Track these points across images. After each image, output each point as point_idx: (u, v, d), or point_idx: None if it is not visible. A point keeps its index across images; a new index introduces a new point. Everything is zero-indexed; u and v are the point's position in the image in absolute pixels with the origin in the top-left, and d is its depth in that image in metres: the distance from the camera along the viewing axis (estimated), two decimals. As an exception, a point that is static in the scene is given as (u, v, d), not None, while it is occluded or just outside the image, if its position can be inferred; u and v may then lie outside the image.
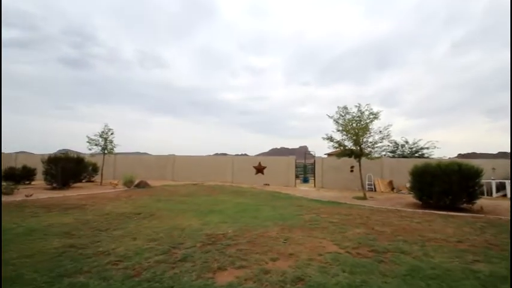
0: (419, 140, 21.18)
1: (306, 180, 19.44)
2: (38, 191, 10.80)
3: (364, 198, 11.26)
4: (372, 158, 11.68)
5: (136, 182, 12.99)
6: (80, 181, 15.52)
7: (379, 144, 11.29)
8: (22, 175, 13.25)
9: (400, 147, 21.68)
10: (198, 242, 4.35)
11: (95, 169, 15.57)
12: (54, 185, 11.68)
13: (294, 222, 6.06)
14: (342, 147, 11.74)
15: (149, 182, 15.44)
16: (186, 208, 7.62)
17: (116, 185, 13.60)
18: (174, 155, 18.89)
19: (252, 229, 5.29)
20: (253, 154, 19.69)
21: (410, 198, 11.69)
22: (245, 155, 22.36)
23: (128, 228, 5.26)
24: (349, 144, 11.60)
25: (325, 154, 28.79)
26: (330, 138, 11.74)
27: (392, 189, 14.40)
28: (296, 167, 17.03)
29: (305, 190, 14.39)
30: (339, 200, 10.64)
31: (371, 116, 11.11)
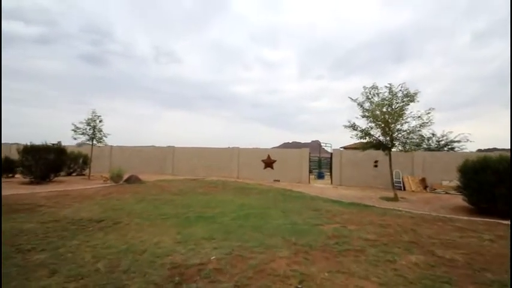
0: (449, 132, 18.70)
1: (320, 176, 17.39)
2: (10, 186, 9.32)
3: (395, 199, 9.20)
4: (407, 151, 9.52)
5: (127, 176, 11.37)
6: (69, 174, 14.15)
7: (416, 134, 9.09)
8: (4, 167, 11.88)
9: (426, 140, 19.30)
10: (150, 285, 2.52)
11: (85, 161, 14.09)
12: (32, 178, 10.19)
13: (312, 240, 4.15)
14: (367, 137, 9.64)
15: (146, 176, 13.85)
16: (169, 212, 5.82)
17: (107, 179, 12.03)
18: (173, 146, 17.22)
19: (250, 254, 3.42)
20: (265, 148, 17.73)
21: (453, 199, 9.54)
22: (252, 148, 20.47)
23: (65, 247, 3.50)
24: (376, 133, 9.49)
25: (341, 147, 26.56)
26: (353, 126, 9.66)
27: (425, 187, 12.20)
28: (310, 161, 15.01)
29: (321, 188, 12.40)
30: (364, 202, 8.62)
31: (405, 99, 8.94)
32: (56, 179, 11.42)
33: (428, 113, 8.66)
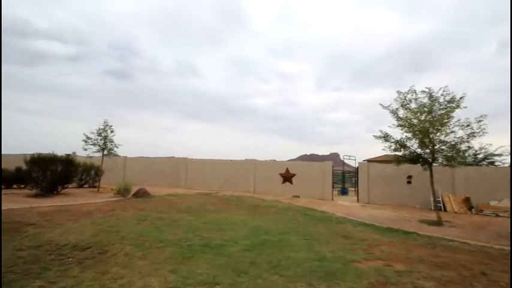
0: (488, 144, 16.68)
1: (344, 192, 15.95)
2: (13, 198, 8.85)
3: (439, 223, 7.76)
4: (454, 166, 8.11)
5: (136, 189, 10.68)
6: (81, 186, 13.75)
7: (465, 146, 7.72)
8: (14, 178, 11.61)
9: (462, 153, 17.36)
10: None
11: (97, 172, 13.64)
12: (37, 191, 9.72)
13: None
14: (402, 149, 8.36)
15: (158, 189, 13.18)
16: (169, 238, 4.89)
17: (117, 192, 11.41)
18: (186, 158, 16.54)
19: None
20: (283, 160, 16.68)
21: (507, 223, 7.94)
22: (269, 161, 19.44)
23: (21, 292, 2.63)
24: (413, 144, 8.21)
25: (365, 160, 24.88)
26: (386, 137, 8.44)
27: (470, 208, 10.53)
28: (333, 175, 13.71)
29: (347, 206, 11.07)
30: (403, 226, 7.29)
31: (448, 105, 7.66)
32: (64, 191, 10.94)
33: (480, 120, 7.31)
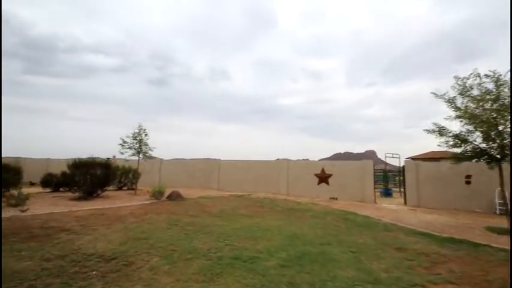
0: None
1: (387, 194, 14.56)
2: (57, 202, 9.28)
3: (514, 232, 6.44)
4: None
5: (169, 192, 10.69)
6: (120, 188, 14.29)
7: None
8: (61, 182, 12.36)
9: None
10: None
11: (134, 175, 14.05)
12: (79, 194, 10.14)
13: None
14: (462, 145, 7.15)
15: (191, 191, 13.19)
16: (199, 247, 4.51)
17: (152, 195, 11.57)
18: (219, 159, 16.42)
19: None
20: (316, 159, 15.87)
21: None
22: (302, 160, 18.62)
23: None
24: (476, 138, 6.97)
25: (407, 158, 22.86)
26: (440, 131, 7.29)
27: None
28: (375, 175, 12.53)
29: (393, 210, 9.94)
30: (466, 235, 6.16)
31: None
32: (104, 194, 11.33)
33: None
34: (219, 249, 4.40)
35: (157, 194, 10.24)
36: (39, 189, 12.76)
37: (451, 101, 7.02)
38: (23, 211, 7.01)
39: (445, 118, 7.27)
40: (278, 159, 16.84)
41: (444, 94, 7.15)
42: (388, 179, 16.68)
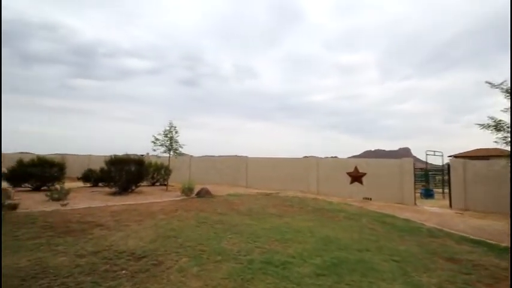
0: None
1: (428, 195, 13.40)
2: (95, 196, 9.76)
3: None
4: None
5: (199, 188, 10.77)
6: (153, 184, 14.79)
7: None
8: (99, 177, 13.05)
9: None
10: None
11: (166, 172, 14.44)
12: (115, 189, 10.59)
13: None
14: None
15: (219, 188, 13.24)
16: (228, 249, 4.35)
17: (182, 192, 11.77)
18: (246, 156, 16.31)
19: None
20: (345, 157, 15.16)
21: None
22: (333, 158, 17.91)
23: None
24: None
25: (450, 156, 21.02)
26: (497, 126, 6.41)
27: None
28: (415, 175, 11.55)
29: (437, 214, 9.07)
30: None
31: None
32: (137, 189, 11.74)
33: None
34: (248, 252, 4.19)
35: (186, 191, 10.36)
36: (80, 184, 13.61)
37: (509, 91, 6.12)
38: (63, 205, 7.41)
39: (502, 110, 6.37)
40: (305, 156, 16.33)
41: (502, 83, 6.25)
42: (429, 178, 15.38)
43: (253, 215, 7.32)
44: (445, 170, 15.90)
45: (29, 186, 11.04)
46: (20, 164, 11.10)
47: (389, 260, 4.16)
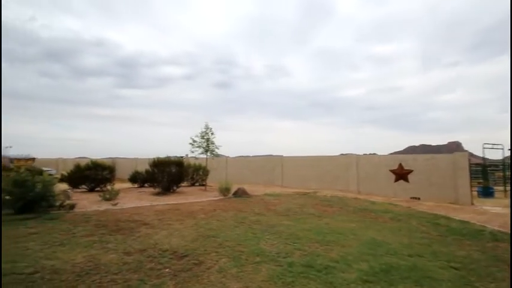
0: None
1: (488, 193, 11.93)
2: (141, 196, 10.42)
3: None
4: None
5: (235, 188, 10.90)
6: (193, 185, 15.36)
7: None
8: (145, 178, 13.92)
9: None
10: None
11: (204, 172, 14.91)
12: (159, 190, 11.20)
13: None
14: None
15: (255, 188, 13.30)
16: (267, 250, 4.27)
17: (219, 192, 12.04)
18: (281, 156, 16.13)
19: None
20: (385, 154, 14.23)
21: None
22: (374, 155, 16.93)
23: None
24: None
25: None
26: None
27: None
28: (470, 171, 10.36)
29: (500, 214, 8.01)
30: None
31: None
32: (178, 189, 12.28)
33: None
34: (288, 254, 4.07)
35: (224, 191, 10.54)
36: (129, 184, 14.68)
37: None
38: (114, 205, 8.01)
39: None
40: (342, 154, 15.67)
41: None
42: (486, 175, 13.67)
43: (291, 215, 7.16)
44: (506, 165, 14.02)
45: (85, 187, 12.19)
46: (77, 167, 12.32)
47: (447, 267, 3.72)
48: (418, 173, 11.15)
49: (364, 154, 15.48)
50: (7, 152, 19.90)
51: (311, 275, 3.29)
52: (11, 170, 7.45)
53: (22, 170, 7.05)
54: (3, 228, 5.24)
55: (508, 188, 12.17)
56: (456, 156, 10.48)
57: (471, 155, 15.03)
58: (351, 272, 3.41)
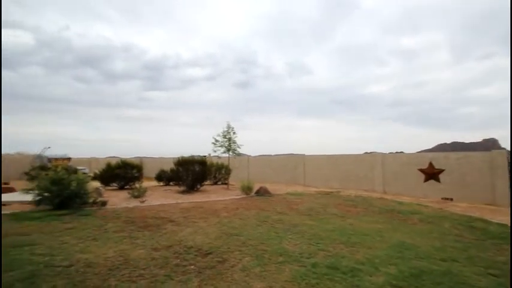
0: None
1: (531, 194, 10.96)
2: (167, 194, 10.77)
3: None
4: None
5: (257, 187, 10.93)
6: (215, 183, 15.63)
7: None
8: (170, 177, 14.39)
9: None
10: None
11: (226, 171, 15.11)
12: (183, 188, 11.52)
13: None
14: None
15: (277, 187, 13.26)
16: (290, 250, 4.24)
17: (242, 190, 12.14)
18: (303, 155, 15.92)
19: None
20: (413, 152, 13.59)
21: None
22: (401, 153, 16.23)
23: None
24: None
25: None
26: None
27: None
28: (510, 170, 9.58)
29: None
30: None
31: None
32: (201, 188, 12.55)
33: None
34: (311, 254, 4.01)
35: (246, 190, 10.61)
36: (155, 183, 15.26)
37: None
38: (142, 202, 8.36)
39: None
40: (366, 152, 15.16)
41: None
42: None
43: (314, 215, 7.05)
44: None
45: (116, 185, 12.84)
46: (108, 166, 13.01)
47: (485, 273, 3.47)
48: (451, 172, 10.51)
49: (390, 152, 14.86)
50: (45, 152, 21.46)
51: (336, 277, 3.21)
52: (49, 169, 8.03)
53: (59, 169, 7.56)
54: (42, 222, 5.66)
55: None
56: (493, 154, 9.73)
57: (509, 153, 13.89)
58: (378, 275, 3.28)
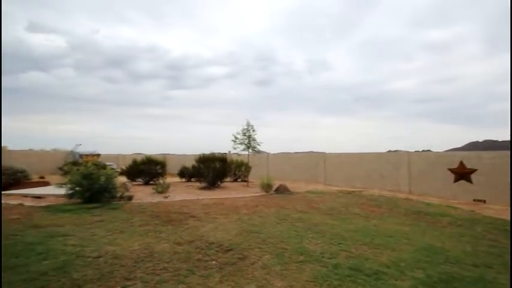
0: None
1: None
2: (189, 190, 11.05)
3: None
4: None
5: (277, 185, 10.90)
6: (236, 180, 15.80)
7: None
8: (192, 173, 14.73)
9: None
10: None
11: (246, 168, 15.21)
12: (204, 184, 11.76)
13: None
14: None
15: (297, 185, 13.16)
16: (311, 249, 4.19)
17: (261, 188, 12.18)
18: (324, 152, 15.61)
19: None
20: (441, 151, 12.89)
21: None
22: (428, 151, 15.51)
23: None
24: None
25: None
26: None
27: None
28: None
29: None
30: None
31: None
32: (222, 185, 12.74)
33: None
34: (333, 255, 3.93)
35: (266, 187, 10.62)
36: (177, 179, 15.70)
37: None
38: (165, 197, 8.63)
39: None
40: (390, 151, 14.58)
41: None
42: None
43: (335, 214, 6.91)
44: None
45: (141, 180, 13.37)
46: (134, 163, 13.57)
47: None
48: (484, 173, 9.84)
49: (416, 151, 14.22)
50: (77, 149, 22.78)
51: (359, 279, 3.13)
52: (80, 164, 8.52)
53: (89, 164, 7.99)
54: (74, 215, 6.02)
55: None
56: (534, 154, 8.96)
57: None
58: (404, 279, 3.16)
